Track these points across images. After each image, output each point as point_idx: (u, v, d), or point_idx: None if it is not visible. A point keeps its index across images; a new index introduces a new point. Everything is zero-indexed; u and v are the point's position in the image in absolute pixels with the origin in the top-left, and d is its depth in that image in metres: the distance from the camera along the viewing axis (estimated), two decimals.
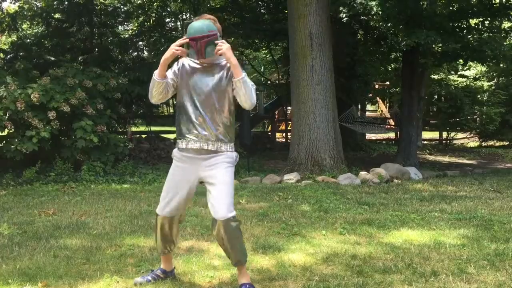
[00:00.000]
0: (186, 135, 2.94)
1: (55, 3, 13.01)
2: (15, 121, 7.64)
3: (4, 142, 8.07)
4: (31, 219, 4.95)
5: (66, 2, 12.62)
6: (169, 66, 2.93)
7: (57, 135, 8.19)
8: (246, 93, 2.83)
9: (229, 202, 2.86)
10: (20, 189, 6.98)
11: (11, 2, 14.34)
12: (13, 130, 7.79)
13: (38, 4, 14.23)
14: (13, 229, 4.47)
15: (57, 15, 13.05)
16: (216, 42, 2.84)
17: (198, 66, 2.96)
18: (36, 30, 15.24)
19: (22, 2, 13.90)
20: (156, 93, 2.90)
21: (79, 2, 12.37)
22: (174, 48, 2.83)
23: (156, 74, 2.86)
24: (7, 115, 7.52)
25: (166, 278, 3.18)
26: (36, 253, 3.78)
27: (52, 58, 11.37)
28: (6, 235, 4.27)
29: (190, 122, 2.92)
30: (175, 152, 3.03)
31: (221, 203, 2.83)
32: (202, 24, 2.85)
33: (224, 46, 2.80)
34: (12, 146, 7.58)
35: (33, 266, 3.44)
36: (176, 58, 2.95)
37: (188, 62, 2.98)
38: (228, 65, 2.89)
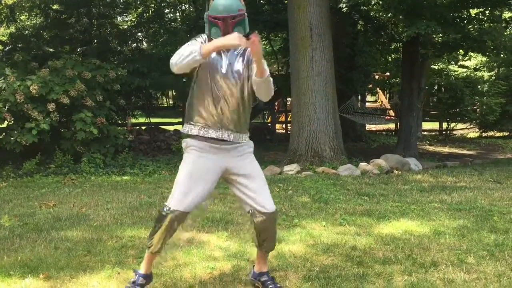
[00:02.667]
0: (205, 122, 2.70)
1: None
2: (15, 113, 7.63)
3: (3, 134, 8.07)
4: (31, 211, 4.96)
5: None
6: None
7: (56, 127, 8.18)
8: (269, 91, 2.69)
9: (269, 194, 2.86)
10: (21, 181, 6.98)
11: None
12: (12, 122, 7.79)
13: None
14: (14, 221, 4.48)
15: (55, 6, 12.98)
16: (244, 24, 2.66)
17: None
18: (34, 22, 15.17)
19: None
20: (186, 66, 2.57)
21: None
22: (240, 40, 2.51)
23: (202, 51, 2.53)
24: (6, 107, 7.52)
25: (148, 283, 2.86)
26: (37, 245, 3.79)
27: (51, 50, 11.34)
28: (7, 227, 4.28)
29: (211, 106, 2.68)
30: (191, 141, 2.75)
31: (266, 196, 2.81)
32: (232, 0, 2.62)
33: (257, 40, 2.49)
34: (12, 138, 7.58)
35: (34, 258, 3.45)
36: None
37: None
38: (246, 50, 2.71)
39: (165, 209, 2.72)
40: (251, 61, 2.67)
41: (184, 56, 2.53)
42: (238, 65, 2.72)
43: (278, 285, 2.94)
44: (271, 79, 2.67)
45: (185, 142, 2.77)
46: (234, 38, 2.49)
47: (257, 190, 2.79)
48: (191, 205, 2.72)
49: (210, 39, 2.66)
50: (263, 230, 2.84)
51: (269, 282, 2.91)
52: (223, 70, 2.68)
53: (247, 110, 2.80)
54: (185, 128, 2.76)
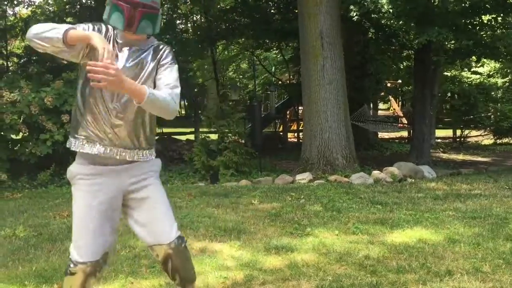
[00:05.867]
0: (95, 136, 2.19)
1: (67, 7, 13.16)
2: (29, 124, 7.73)
3: (19, 145, 8.17)
4: (46, 221, 5.00)
5: (78, 6, 12.75)
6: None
7: None
8: (162, 108, 2.11)
9: (172, 219, 2.33)
10: (35, 191, 7.06)
11: (23, 7, 14.53)
12: (27, 133, 7.88)
13: (50, 8, 14.40)
14: (29, 231, 4.53)
15: (69, 19, 13.17)
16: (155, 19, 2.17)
17: (120, 42, 2.22)
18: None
19: (34, 6, 14.08)
20: (41, 43, 2.04)
21: (90, 5, 12.49)
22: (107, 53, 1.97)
23: (66, 33, 2.03)
24: (22, 118, 7.62)
25: None
26: (51, 255, 3.82)
27: (65, 62, 11.44)
28: (22, 237, 4.33)
29: (102, 118, 2.17)
30: (76, 168, 2.23)
31: (164, 224, 2.29)
32: None
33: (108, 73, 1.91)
34: (27, 149, 7.67)
35: (48, 268, 3.48)
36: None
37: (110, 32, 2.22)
38: (151, 51, 2.24)
39: (71, 265, 2.23)
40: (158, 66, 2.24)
41: (47, 30, 2.04)
42: (145, 68, 2.23)
43: None
44: (157, 94, 2.08)
45: (70, 172, 2.30)
46: (107, 48, 1.99)
47: (154, 218, 2.29)
48: (100, 251, 2.24)
49: (106, 28, 2.22)
50: (170, 268, 2.34)
51: None
52: (124, 70, 2.15)
53: (153, 121, 2.32)
54: (75, 144, 2.28)
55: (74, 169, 2.25)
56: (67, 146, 2.27)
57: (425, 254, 3.74)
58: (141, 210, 2.29)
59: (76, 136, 2.23)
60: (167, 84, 2.18)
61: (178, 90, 2.19)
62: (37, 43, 2.05)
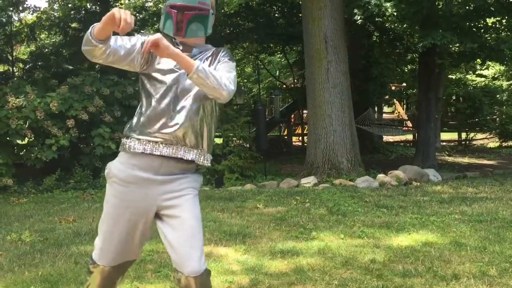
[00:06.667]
0: (150, 134, 2.07)
1: (72, 12, 13.24)
2: (35, 129, 7.77)
3: (24, 150, 8.21)
4: (52, 226, 5.02)
5: (83, 12, 12.82)
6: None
7: (76, 142, 8.30)
8: (214, 86, 1.97)
9: (200, 248, 2.09)
10: (41, 196, 7.08)
11: (29, 13, 14.62)
12: (33, 138, 7.92)
13: (55, 14, 14.49)
14: (35, 236, 4.54)
15: (74, 24, 13.26)
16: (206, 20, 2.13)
17: (180, 48, 2.10)
18: (54, 40, 15.51)
19: (40, 12, 14.17)
20: (90, 49, 1.96)
21: (95, 11, 12.55)
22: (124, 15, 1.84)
23: (93, 27, 1.93)
24: (27, 124, 7.66)
25: None
26: (57, 260, 3.82)
27: (70, 67, 11.55)
28: (28, 242, 4.34)
29: (158, 119, 2.07)
30: (117, 165, 2.13)
31: (191, 254, 2.05)
32: None
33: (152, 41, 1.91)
34: (32, 155, 7.71)
35: (54, 273, 3.48)
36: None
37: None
38: (211, 52, 2.19)
39: (90, 262, 2.24)
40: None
41: (84, 44, 1.98)
42: None
43: None
44: (207, 68, 1.98)
45: (109, 169, 2.21)
46: (156, 36, 1.92)
47: (182, 241, 2.07)
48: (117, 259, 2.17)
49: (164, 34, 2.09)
50: None
51: None
52: (179, 74, 2.13)
53: (210, 125, 2.20)
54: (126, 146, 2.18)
55: (112, 169, 2.14)
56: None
57: (431, 258, 3.72)
58: (172, 229, 2.08)
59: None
60: (222, 70, 2.11)
61: (233, 75, 2.10)
62: (84, 51, 2.00)
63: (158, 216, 2.13)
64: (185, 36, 2.10)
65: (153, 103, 2.08)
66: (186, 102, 2.08)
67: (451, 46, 9.85)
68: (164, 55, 1.95)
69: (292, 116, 17.93)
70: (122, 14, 1.84)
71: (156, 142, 2.06)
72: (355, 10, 8.98)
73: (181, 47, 2.11)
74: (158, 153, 2.05)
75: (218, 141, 9.60)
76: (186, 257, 2.04)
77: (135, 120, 2.14)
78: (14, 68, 13.66)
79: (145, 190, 2.07)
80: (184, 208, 2.09)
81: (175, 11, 2.07)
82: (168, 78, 2.09)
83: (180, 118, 2.06)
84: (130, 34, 2.03)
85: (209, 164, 2.19)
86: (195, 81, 1.98)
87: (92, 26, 1.94)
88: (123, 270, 2.24)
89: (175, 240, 2.06)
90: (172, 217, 2.09)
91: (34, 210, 5.95)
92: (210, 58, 2.17)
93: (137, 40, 2.09)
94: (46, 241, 4.40)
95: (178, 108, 2.07)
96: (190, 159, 2.10)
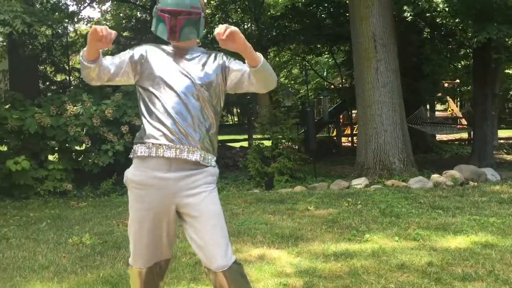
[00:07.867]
0: (154, 138, 2.13)
1: (123, 21, 13.68)
2: (92, 136, 8.08)
3: (82, 156, 8.55)
4: (110, 229, 5.20)
5: (134, 21, 13.23)
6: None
7: (130, 147, 8.53)
8: (272, 74, 2.12)
9: (225, 243, 2.14)
10: (99, 200, 7.36)
11: (83, 23, 15.23)
12: (90, 144, 8.24)
13: (108, 24, 15.02)
14: (95, 239, 4.72)
15: (125, 33, 13.70)
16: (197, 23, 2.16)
17: (170, 50, 2.22)
18: (107, 49, 16.04)
19: (93, 22, 14.74)
20: (92, 77, 2.11)
21: (146, 19, 12.92)
22: (101, 29, 1.95)
23: (84, 54, 2.05)
24: (84, 130, 7.98)
25: None
26: (116, 261, 3.96)
27: None
28: (88, 245, 4.52)
29: (161, 123, 2.13)
30: (132, 171, 2.23)
31: (216, 250, 2.11)
32: None
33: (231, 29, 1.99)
34: (90, 160, 8.01)
35: (114, 274, 3.61)
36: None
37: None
38: (205, 55, 2.24)
39: (129, 265, 2.37)
40: (223, 63, 2.25)
41: (81, 68, 2.14)
42: (205, 68, 2.25)
43: None
44: (266, 64, 2.09)
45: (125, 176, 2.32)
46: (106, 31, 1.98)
47: (206, 238, 2.12)
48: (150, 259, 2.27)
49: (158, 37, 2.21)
50: None
51: None
52: (180, 76, 2.21)
53: (214, 125, 2.24)
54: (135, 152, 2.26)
55: (129, 175, 2.25)
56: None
57: (492, 260, 3.59)
58: (194, 229, 2.14)
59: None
60: (243, 64, 2.15)
61: None
62: (83, 76, 2.14)
63: (180, 216, 2.20)
64: (179, 40, 2.15)
65: (153, 108, 2.15)
66: (187, 105, 2.13)
67: (507, 40, 9.44)
68: (240, 45, 2.00)
69: (341, 116, 17.72)
70: (102, 27, 1.97)
71: (160, 145, 2.11)
72: (405, 7, 8.77)
73: (173, 50, 2.22)
74: (163, 155, 2.11)
75: (267, 143, 9.63)
76: (212, 256, 2.11)
77: (142, 126, 2.22)
78: (71, 77, 14.28)
79: (162, 190, 2.14)
80: (201, 208, 2.13)
81: (168, 15, 2.11)
82: (164, 84, 2.15)
83: (181, 120, 2.12)
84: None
85: (214, 165, 2.22)
86: (259, 73, 2.05)
87: (82, 50, 2.08)
88: (161, 272, 2.31)
89: (198, 241, 2.13)
90: (192, 217, 2.15)
91: (93, 214, 6.18)
92: (204, 60, 2.22)
93: (127, 53, 2.19)
94: (105, 243, 4.57)
95: (178, 111, 2.12)
96: (194, 160, 2.14)
